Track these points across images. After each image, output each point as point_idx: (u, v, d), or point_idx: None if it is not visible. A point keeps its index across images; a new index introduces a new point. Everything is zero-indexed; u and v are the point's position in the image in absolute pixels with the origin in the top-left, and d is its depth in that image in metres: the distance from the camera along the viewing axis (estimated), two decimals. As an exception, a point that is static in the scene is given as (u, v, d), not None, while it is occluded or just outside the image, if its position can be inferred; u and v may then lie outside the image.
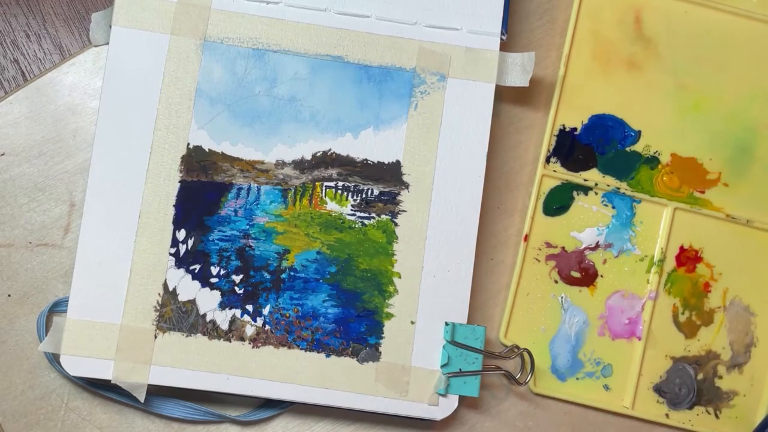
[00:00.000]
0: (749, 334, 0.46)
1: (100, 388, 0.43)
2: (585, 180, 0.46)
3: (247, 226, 0.43)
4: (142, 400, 0.41)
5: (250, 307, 0.42)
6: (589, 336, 0.46)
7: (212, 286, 0.42)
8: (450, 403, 0.42)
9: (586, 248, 0.46)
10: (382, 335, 0.43)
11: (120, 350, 0.41)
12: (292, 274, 0.43)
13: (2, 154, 0.45)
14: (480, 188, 0.43)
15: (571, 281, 0.46)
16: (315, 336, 0.42)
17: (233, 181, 0.43)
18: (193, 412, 0.43)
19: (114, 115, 0.42)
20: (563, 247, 0.46)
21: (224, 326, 0.42)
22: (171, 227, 0.42)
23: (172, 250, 0.42)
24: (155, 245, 0.42)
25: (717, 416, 0.46)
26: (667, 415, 0.46)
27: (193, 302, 0.42)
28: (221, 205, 0.43)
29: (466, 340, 0.42)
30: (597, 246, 0.46)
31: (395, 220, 0.43)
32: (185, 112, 0.43)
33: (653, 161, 0.46)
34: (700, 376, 0.46)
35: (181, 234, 0.42)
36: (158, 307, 0.42)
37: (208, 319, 0.42)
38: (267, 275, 0.43)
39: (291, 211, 0.43)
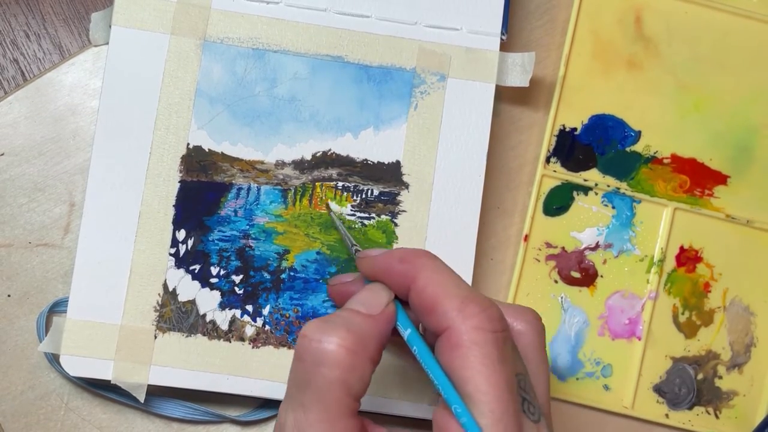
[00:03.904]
0: (749, 334, 0.47)
1: (100, 388, 0.43)
2: (585, 180, 0.46)
3: (247, 227, 0.43)
4: (142, 400, 0.41)
5: (250, 308, 0.42)
6: (588, 336, 0.46)
7: (212, 287, 0.42)
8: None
9: (586, 248, 0.46)
10: (382, 335, 0.43)
11: (120, 350, 0.41)
12: (292, 274, 0.43)
13: (2, 154, 0.45)
14: (480, 188, 0.43)
15: (571, 281, 0.46)
16: (315, 336, 0.42)
17: (233, 181, 0.43)
18: (193, 412, 0.43)
19: (114, 115, 0.42)
20: (563, 247, 0.46)
21: (224, 326, 0.42)
22: (171, 227, 0.42)
23: (172, 251, 0.42)
24: (155, 245, 0.42)
25: (717, 416, 0.46)
26: (666, 415, 0.46)
27: (193, 302, 0.42)
28: (221, 206, 0.43)
29: (466, 341, 0.42)
30: (597, 246, 0.46)
31: (395, 221, 0.43)
32: (185, 112, 0.43)
33: (653, 161, 0.46)
34: (700, 376, 0.46)
35: (181, 234, 0.42)
36: (158, 308, 0.42)
37: (208, 319, 0.42)
38: (267, 275, 0.43)
39: (291, 211, 0.43)
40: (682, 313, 0.46)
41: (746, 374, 0.46)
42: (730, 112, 0.47)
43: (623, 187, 0.46)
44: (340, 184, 0.43)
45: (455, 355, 0.32)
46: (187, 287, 0.42)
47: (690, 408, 0.46)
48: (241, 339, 0.42)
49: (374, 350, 0.33)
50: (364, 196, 0.43)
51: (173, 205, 0.42)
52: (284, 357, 0.42)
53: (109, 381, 0.41)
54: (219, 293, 0.42)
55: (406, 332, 0.34)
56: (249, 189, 0.43)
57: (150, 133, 0.42)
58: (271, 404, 0.44)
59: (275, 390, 0.42)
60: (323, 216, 0.43)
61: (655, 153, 0.47)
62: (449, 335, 0.32)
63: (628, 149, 0.46)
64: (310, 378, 0.32)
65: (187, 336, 0.42)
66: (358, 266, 0.38)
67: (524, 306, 0.36)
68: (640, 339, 0.46)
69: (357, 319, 0.33)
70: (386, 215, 0.43)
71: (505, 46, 0.44)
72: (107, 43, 0.43)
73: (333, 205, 0.43)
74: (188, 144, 0.43)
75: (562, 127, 0.46)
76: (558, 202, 0.46)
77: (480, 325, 0.32)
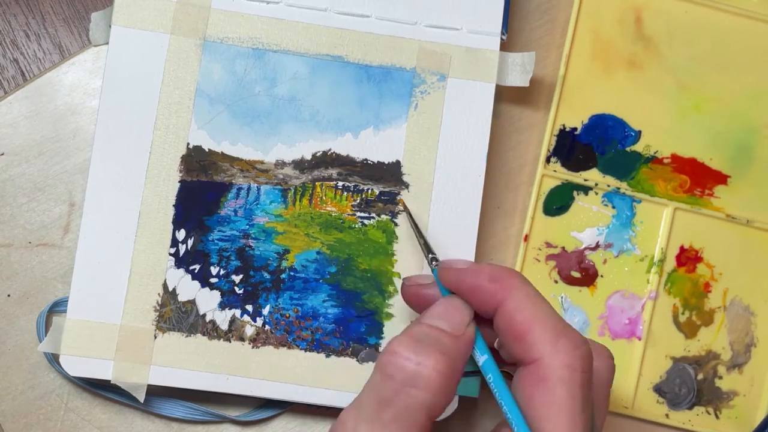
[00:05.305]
0: (749, 334, 0.47)
1: (99, 388, 0.43)
2: (585, 180, 0.46)
3: (247, 226, 0.43)
4: (142, 400, 0.41)
5: (249, 308, 0.42)
6: (589, 336, 0.45)
7: (212, 286, 0.42)
8: (450, 404, 0.42)
9: (586, 248, 0.46)
10: (382, 335, 0.43)
11: (119, 350, 0.41)
12: (291, 274, 0.43)
13: (2, 154, 0.45)
14: (480, 188, 0.43)
15: (571, 281, 0.46)
16: (315, 336, 0.42)
17: (233, 181, 0.43)
18: (192, 412, 0.43)
19: (114, 114, 0.42)
20: (563, 247, 0.46)
21: (224, 326, 0.42)
22: (171, 227, 0.42)
23: (172, 250, 0.42)
24: (155, 245, 0.42)
25: (717, 416, 0.46)
26: (667, 415, 0.46)
27: (192, 302, 0.42)
28: (221, 205, 0.43)
29: (466, 340, 0.42)
30: (597, 246, 0.46)
31: (395, 220, 0.43)
32: (185, 112, 0.43)
33: (653, 161, 0.46)
34: (700, 376, 0.46)
35: (181, 234, 0.42)
36: (158, 307, 0.42)
37: (207, 319, 0.42)
38: (267, 275, 0.43)
39: (291, 211, 0.43)
40: (682, 313, 0.46)
41: (746, 374, 0.46)
42: (730, 112, 0.47)
43: (623, 187, 0.46)
44: (340, 183, 0.43)
45: (539, 389, 0.31)
46: (187, 287, 0.42)
47: (690, 408, 0.46)
48: (241, 339, 0.42)
49: (460, 373, 0.32)
50: (364, 196, 0.43)
51: (173, 205, 0.42)
52: (284, 357, 0.42)
53: (109, 381, 0.41)
54: (219, 293, 0.42)
55: (482, 358, 0.33)
56: (249, 189, 0.43)
57: (150, 133, 0.42)
58: (271, 404, 0.44)
59: (275, 390, 0.42)
60: (323, 216, 0.43)
61: (655, 153, 0.47)
62: (537, 368, 0.31)
63: (628, 149, 0.46)
64: (395, 396, 0.31)
65: (187, 336, 0.42)
66: (440, 276, 0.36)
67: (599, 342, 0.36)
68: (640, 339, 0.46)
69: (446, 340, 0.32)
70: (386, 215, 0.43)
71: (505, 46, 0.44)
72: (107, 43, 0.43)
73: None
74: (188, 144, 0.43)
75: (562, 127, 0.46)
76: (558, 202, 0.46)
77: (571, 364, 0.31)
